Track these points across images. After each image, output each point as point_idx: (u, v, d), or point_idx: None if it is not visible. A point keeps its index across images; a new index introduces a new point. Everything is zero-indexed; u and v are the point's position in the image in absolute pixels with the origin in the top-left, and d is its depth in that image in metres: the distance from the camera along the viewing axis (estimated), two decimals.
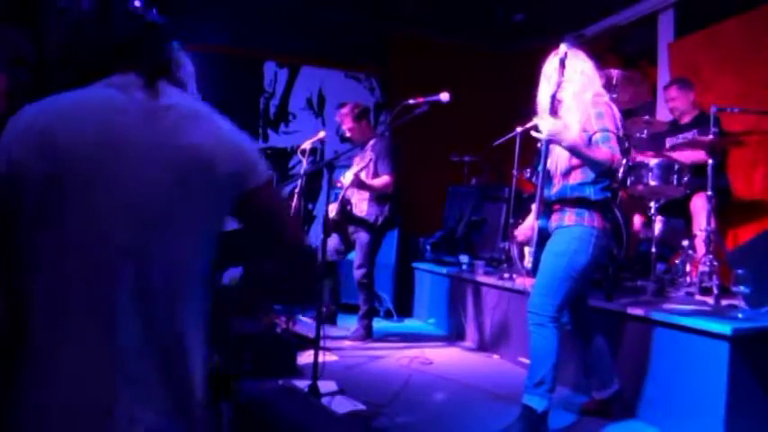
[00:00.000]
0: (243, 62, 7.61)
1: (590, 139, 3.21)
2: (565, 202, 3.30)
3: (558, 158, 3.35)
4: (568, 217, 3.26)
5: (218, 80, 7.45)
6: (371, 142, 5.51)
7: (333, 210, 5.45)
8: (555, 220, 3.32)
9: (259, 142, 7.64)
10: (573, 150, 3.17)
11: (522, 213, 3.96)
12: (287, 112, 7.78)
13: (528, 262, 3.42)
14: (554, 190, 3.35)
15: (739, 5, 5.67)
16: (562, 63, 3.22)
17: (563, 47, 3.26)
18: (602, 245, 3.27)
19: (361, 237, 5.50)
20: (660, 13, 6.65)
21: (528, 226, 3.68)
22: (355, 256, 5.54)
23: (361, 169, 5.25)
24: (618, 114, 3.36)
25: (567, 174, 3.33)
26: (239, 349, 4.19)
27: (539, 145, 3.50)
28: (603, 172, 3.23)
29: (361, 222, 5.50)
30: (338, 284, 6.06)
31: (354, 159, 5.68)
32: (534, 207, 3.54)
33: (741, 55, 5.62)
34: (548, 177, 3.38)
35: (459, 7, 7.41)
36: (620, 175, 3.25)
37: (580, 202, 3.26)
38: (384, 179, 5.40)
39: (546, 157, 3.28)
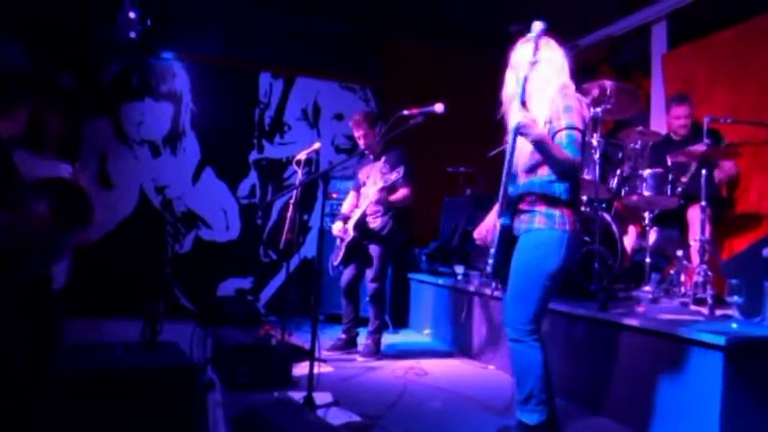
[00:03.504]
0: (238, 73, 7.63)
1: (554, 135, 2.99)
2: (533, 200, 3.07)
3: (521, 153, 3.08)
4: (539, 219, 3.04)
5: (214, 91, 7.48)
6: (384, 156, 5.36)
7: (341, 228, 5.38)
8: (524, 221, 3.09)
9: (254, 153, 7.66)
10: (539, 145, 2.94)
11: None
12: (282, 123, 7.79)
13: (488, 264, 3.19)
14: (520, 185, 3.10)
15: (732, 17, 5.70)
16: (536, 44, 2.99)
17: (537, 25, 3.01)
18: (574, 247, 3.07)
19: (374, 249, 5.36)
20: (653, 24, 6.70)
21: (486, 226, 3.48)
22: (368, 270, 5.39)
23: (383, 188, 5.09)
24: (586, 111, 3.11)
25: (531, 170, 3.08)
26: (235, 361, 4.18)
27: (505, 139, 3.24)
28: (564, 173, 3.02)
29: (374, 235, 5.37)
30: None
31: (363, 170, 5.54)
32: (496, 206, 3.33)
33: (734, 66, 5.65)
34: (510, 174, 3.11)
35: (454, 17, 7.44)
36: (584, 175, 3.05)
37: (550, 202, 3.03)
38: (403, 192, 5.27)
39: (513, 152, 2.99)
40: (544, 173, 3.06)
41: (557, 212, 3.03)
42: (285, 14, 7.56)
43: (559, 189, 3.05)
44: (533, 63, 2.99)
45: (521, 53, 3.15)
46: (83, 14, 6.77)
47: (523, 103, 3.07)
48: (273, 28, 7.63)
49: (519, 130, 2.91)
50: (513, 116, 2.90)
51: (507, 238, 3.12)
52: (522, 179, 3.12)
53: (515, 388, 3.15)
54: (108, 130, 7.06)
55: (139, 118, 7.19)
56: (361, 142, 5.50)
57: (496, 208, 3.43)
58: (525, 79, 2.95)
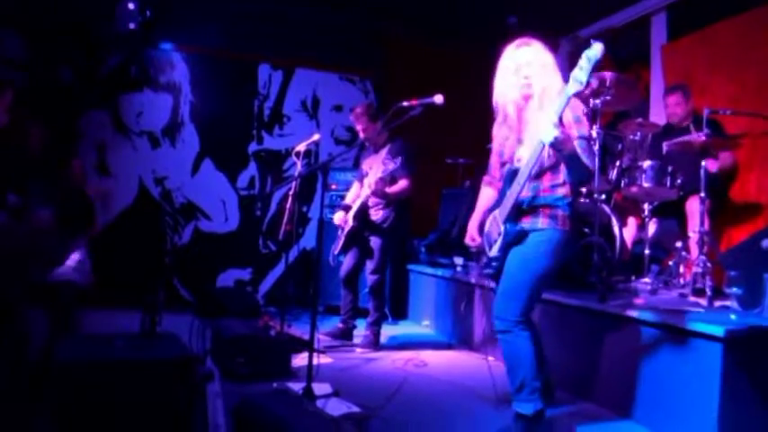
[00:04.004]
0: (237, 64, 7.62)
1: None
2: (538, 204, 3.18)
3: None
4: (542, 220, 3.16)
5: (213, 82, 7.47)
6: (387, 147, 5.37)
7: (341, 217, 5.37)
8: (527, 222, 3.19)
9: (253, 144, 7.65)
10: (570, 158, 3.05)
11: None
12: (281, 115, 7.79)
13: (492, 267, 3.33)
14: (525, 193, 3.17)
15: (731, 8, 5.69)
16: (594, 67, 2.90)
17: (598, 46, 2.91)
18: (571, 246, 3.25)
19: (375, 241, 5.36)
20: (653, 15, 6.68)
21: (474, 228, 3.56)
22: (368, 262, 5.40)
23: (381, 178, 5.09)
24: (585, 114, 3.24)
25: (537, 176, 3.19)
26: (234, 352, 4.19)
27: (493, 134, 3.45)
28: (581, 180, 3.17)
29: (375, 227, 5.36)
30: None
31: (366, 161, 5.55)
32: (479, 207, 3.56)
33: (734, 57, 5.64)
34: (512, 177, 3.19)
35: (453, 9, 7.42)
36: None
37: (553, 205, 3.17)
38: (402, 184, 5.26)
39: (536, 163, 3.06)
40: (548, 179, 3.20)
41: (558, 214, 3.16)
42: (284, 5, 7.54)
43: (562, 192, 3.19)
44: (586, 85, 2.97)
45: (511, 58, 3.24)
46: (82, 5, 6.75)
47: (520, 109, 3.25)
48: (273, 19, 7.61)
49: (555, 146, 2.94)
50: (548, 131, 2.87)
51: (512, 243, 3.19)
52: (528, 185, 3.17)
53: (507, 378, 3.19)
54: (107, 121, 7.05)
55: (139, 109, 7.18)
56: (361, 135, 5.51)
57: (480, 210, 3.57)
58: (569, 98, 2.94)
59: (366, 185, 5.23)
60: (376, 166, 5.29)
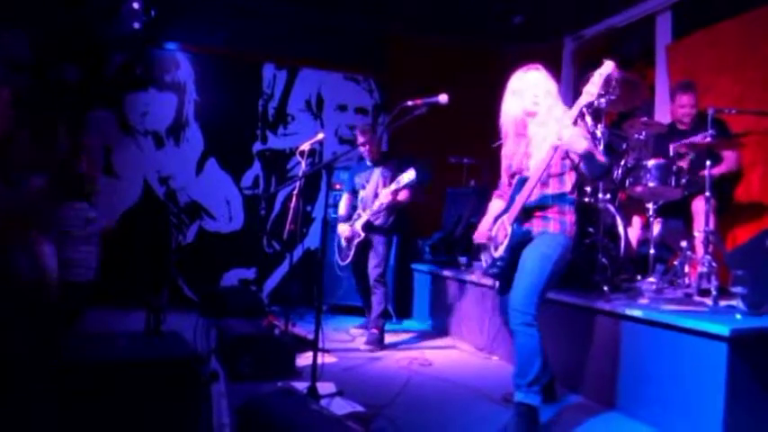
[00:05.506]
0: (242, 64, 7.62)
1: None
2: (546, 209, 3.35)
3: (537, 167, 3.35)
4: (553, 225, 3.34)
5: (218, 82, 7.47)
6: (385, 164, 5.61)
7: (348, 230, 5.54)
8: (538, 225, 3.36)
9: (258, 144, 7.66)
10: (588, 156, 3.16)
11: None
12: (286, 114, 7.79)
13: (497, 267, 3.48)
14: (533, 197, 3.33)
15: (736, 7, 5.67)
16: (608, 81, 3.23)
17: (609, 64, 3.24)
18: (570, 254, 3.41)
19: (376, 239, 5.51)
20: (658, 14, 6.66)
21: (485, 227, 3.68)
22: (372, 257, 5.53)
23: (396, 190, 5.26)
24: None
25: (544, 184, 3.35)
26: (238, 351, 4.19)
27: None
28: (599, 176, 3.35)
29: (377, 229, 5.52)
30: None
31: (361, 174, 5.73)
32: (492, 208, 3.70)
33: (738, 56, 5.62)
34: (522, 185, 3.36)
35: (458, 8, 7.41)
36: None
37: (561, 211, 3.36)
38: (404, 193, 5.42)
39: (547, 167, 3.24)
40: (556, 186, 3.38)
41: (567, 220, 3.36)
42: (289, 5, 7.53)
43: (569, 200, 3.38)
44: (600, 96, 3.28)
45: (521, 80, 3.46)
46: (87, 5, 6.76)
47: (524, 126, 3.46)
48: (277, 19, 7.61)
49: (573, 144, 3.13)
50: (566, 129, 3.11)
51: (519, 244, 3.36)
52: (536, 191, 3.34)
53: (516, 371, 3.26)
54: (112, 120, 7.06)
55: (143, 109, 7.19)
56: (365, 148, 5.65)
57: (493, 212, 3.70)
58: (581, 108, 3.19)
59: (377, 197, 5.38)
60: (376, 179, 5.57)
